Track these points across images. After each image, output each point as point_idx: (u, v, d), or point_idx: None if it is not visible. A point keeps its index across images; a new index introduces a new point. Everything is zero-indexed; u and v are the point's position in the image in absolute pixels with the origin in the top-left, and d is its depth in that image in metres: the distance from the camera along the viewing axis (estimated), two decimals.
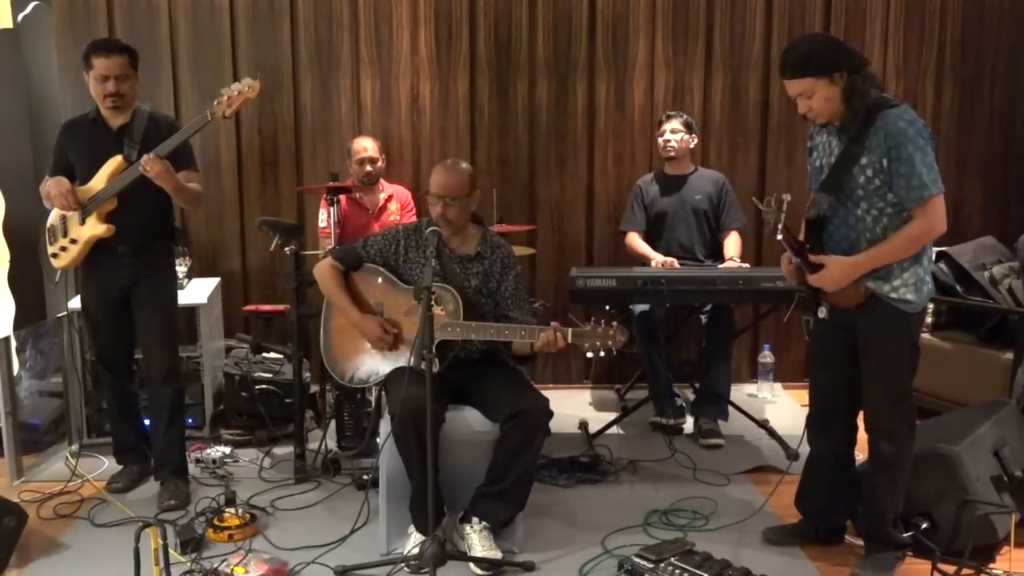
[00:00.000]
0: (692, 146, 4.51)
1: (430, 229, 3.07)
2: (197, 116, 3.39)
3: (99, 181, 3.40)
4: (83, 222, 3.42)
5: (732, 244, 4.44)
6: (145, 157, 3.30)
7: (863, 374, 2.84)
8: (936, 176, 2.65)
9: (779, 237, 2.67)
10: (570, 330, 2.92)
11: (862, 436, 2.99)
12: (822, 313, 2.80)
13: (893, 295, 2.70)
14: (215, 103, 3.34)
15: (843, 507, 3.09)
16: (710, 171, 4.61)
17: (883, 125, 2.64)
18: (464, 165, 3.27)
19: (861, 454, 3.02)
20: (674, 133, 4.44)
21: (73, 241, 3.45)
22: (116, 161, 3.40)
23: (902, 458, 2.84)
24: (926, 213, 2.65)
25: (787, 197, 2.67)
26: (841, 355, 2.89)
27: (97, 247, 3.45)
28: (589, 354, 2.90)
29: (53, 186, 3.40)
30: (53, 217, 3.52)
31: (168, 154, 3.34)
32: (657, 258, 4.34)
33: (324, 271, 3.35)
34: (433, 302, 2.77)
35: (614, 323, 2.91)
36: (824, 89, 2.68)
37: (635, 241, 4.52)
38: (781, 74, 2.76)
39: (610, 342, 2.88)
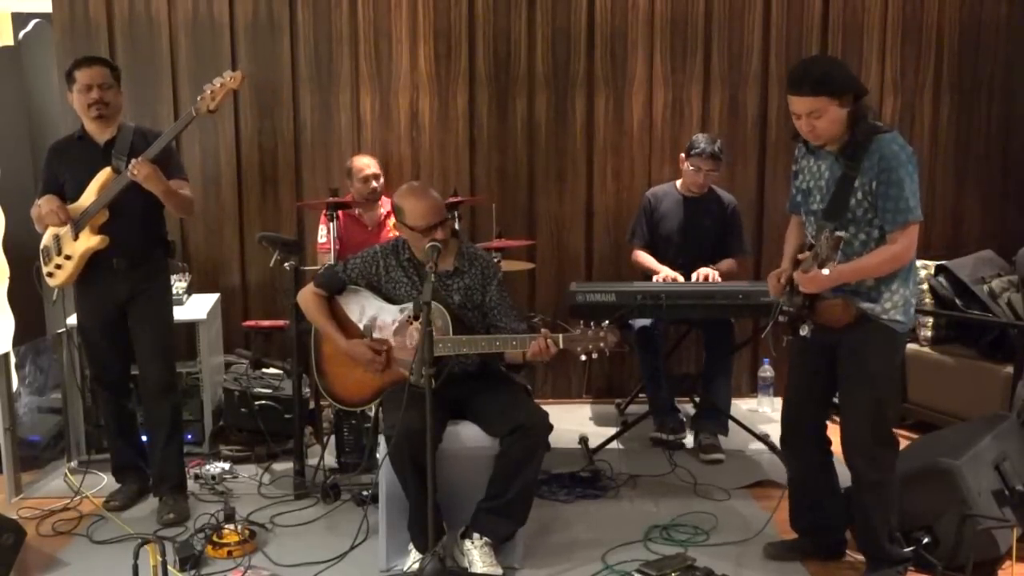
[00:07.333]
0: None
1: (430, 244, 3.04)
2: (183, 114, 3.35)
3: (89, 195, 3.40)
4: (76, 237, 3.42)
5: (722, 265, 4.33)
6: (133, 161, 3.30)
7: (841, 392, 2.88)
8: (918, 204, 2.69)
9: (825, 272, 2.59)
10: (560, 336, 2.92)
11: (839, 447, 2.97)
12: (804, 331, 2.79)
13: (884, 316, 2.75)
14: (199, 99, 3.32)
15: (840, 521, 3.08)
16: (723, 193, 4.49)
17: (877, 149, 2.69)
18: (430, 188, 3.23)
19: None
20: (709, 175, 4.30)
21: (68, 257, 3.45)
22: (105, 173, 3.39)
23: (885, 477, 2.84)
24: (906, 236, 2.69)
25: (843, 234, 2.60)
26: (817, 373, 2.93)
27: (92, 262, 3.44)
28: (583, 357, 2.91)
29: (44, 204, 3.43)
30: (46, 238, 3.53)
31: (157, 160, 3.34)
32: (662, 272, 4.29)
33: (307, 299, 3.33)
34: (421, 320, 2.77)
35: (604, 324, 2.91)
36: (835, 110, 2.69)
37: (642, 257, 4.48)
38: (797, 90, 2.70)
39: (601, 344, 2.89)
